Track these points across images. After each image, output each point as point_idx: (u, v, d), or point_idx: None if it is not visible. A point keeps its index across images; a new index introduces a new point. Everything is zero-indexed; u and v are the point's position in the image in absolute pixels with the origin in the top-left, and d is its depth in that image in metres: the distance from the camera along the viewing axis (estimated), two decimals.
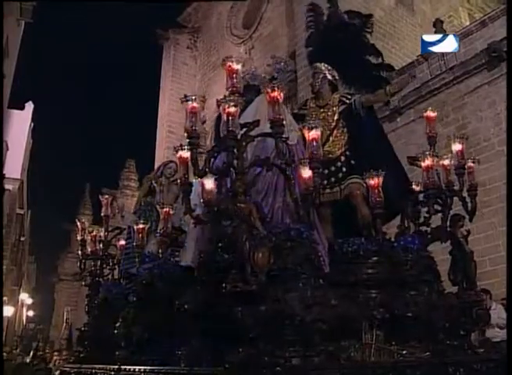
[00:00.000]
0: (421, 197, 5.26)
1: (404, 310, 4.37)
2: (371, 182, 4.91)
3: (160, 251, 5.67)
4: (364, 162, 5.35)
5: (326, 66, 5.85)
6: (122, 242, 7.11)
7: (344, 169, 5.48)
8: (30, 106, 19.57)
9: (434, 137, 5.39)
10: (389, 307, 4.34)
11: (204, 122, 18.74)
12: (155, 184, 7.11)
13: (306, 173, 4.35)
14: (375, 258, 4.61)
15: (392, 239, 5.02)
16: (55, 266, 29.18)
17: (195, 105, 4.23)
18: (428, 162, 4.92)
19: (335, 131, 5.60)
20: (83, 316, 8.16)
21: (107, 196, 7.39)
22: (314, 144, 4.22)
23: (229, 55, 4.44)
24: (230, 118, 3.86)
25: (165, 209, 5.65)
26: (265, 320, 3.65)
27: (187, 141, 4.18)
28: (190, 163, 4.35)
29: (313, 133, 4.23)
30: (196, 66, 21.82)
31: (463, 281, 5.11)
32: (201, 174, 4.16)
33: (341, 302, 4.05)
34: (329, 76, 5.82)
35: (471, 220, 5.29)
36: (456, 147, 5.23)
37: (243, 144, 4.09)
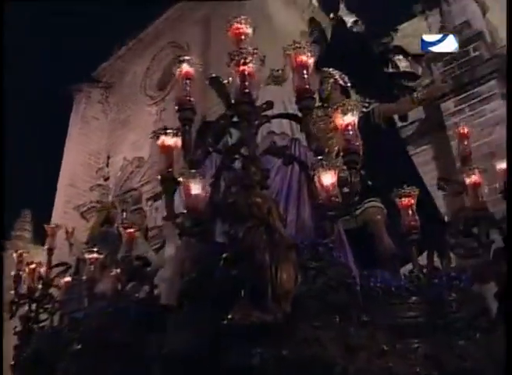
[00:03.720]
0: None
1: (457, 364, 3.21)
2: (404, 201, 3.85)
3: (119, 286, 4.36)
4: (383, 182, 4.33)
5: (336, 70, 4.89)
6: (68, 279, 5.69)
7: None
8: None
9: (468, 156, 4.42)
10: (438, 360, 3.19)
11: (107, 178, 17.68)
12: (116, 205, 5.80)
13: (327, 178, 3.24)
14: (414, 298, 3.47)
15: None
16: None
17: (190, 70, 3.13)
18: (474, 177, 3.90)
19: None
20: None
21: (53, 225, 6.04)
22: (351, 132, 3.12)
23: (236, 16, 3.34)
24: (247, 76, 2.71)
25: (128, 230, 4.37)
26: (289, 369, 2.42)
27: (178, 115, 3.03)
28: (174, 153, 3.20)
29: (348, 118, 3.13)
30: (106, 122, 20.92)
31: None
32: (196, 161, 2.99)
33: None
34: (341, 81, 4.84)
35: None
36: (500, 165, 4.23)
37: (256, 123, 2.95)
